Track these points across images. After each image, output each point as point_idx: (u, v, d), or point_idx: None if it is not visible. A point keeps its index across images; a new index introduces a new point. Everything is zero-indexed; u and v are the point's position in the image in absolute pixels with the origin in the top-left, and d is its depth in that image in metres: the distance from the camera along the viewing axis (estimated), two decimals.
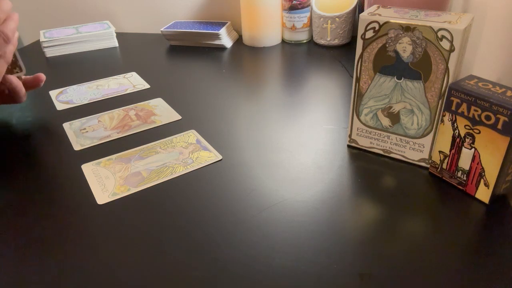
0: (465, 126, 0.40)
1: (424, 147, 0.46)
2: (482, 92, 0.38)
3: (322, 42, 0.87)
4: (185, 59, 0.85)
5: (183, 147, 0.53)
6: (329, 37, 0.86)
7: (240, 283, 0.34)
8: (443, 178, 0.45)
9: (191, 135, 0.56)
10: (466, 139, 0.41)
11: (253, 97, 0.67)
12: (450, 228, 0.39)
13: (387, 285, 0.34)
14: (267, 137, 0.55)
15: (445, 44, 0.40)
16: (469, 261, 0.35)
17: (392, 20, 0.42)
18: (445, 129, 0.43)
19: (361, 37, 0.44)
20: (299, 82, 0.71)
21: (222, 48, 0.90)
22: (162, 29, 0.92)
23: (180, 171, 0.49)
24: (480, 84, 0.40)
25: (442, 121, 0.43)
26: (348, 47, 0.87)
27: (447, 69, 0.41)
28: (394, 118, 0.47)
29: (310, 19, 0.89)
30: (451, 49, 0.40)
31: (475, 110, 0.39)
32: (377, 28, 0.43)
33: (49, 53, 0.89)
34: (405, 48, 0.42)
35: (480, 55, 0.52)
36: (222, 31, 0.89)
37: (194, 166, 0.49)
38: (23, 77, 0.60)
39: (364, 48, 0.44)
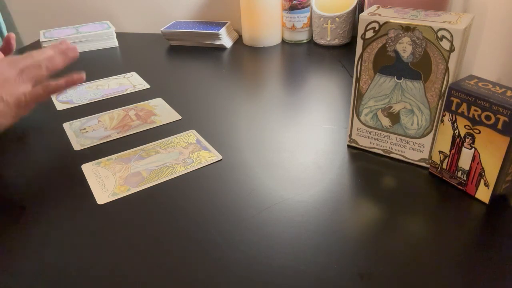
0: (465, 126, 0.40)
1: (424, 147, 0.46)
2: (482, 92, 0.38)
3: (322, 42, 0.88)
4: (185, 59, 0.85)
5: (183, 147, 0.53)
6: (329, 37, 0.86)
7: (240, 283, 0.34)
8: (443, 178, 0.45)
9: (191, 135, 0.56)
10: (466, 139, 0.41)
11: (253, 97, 0.67)
12: (450, 228, 0.39)
13: (387, 285, 0.34)
14: (267, 137, 0.55)
15: (445, 44, 0.40)
16: (469, 261, 0.35)
17: (392, 20, 0.42)
18: (445, 129, 0.43)
19: (361, 37, 0.44)
20: (299, 82, 0.71)
21: (222, 48, 0.90)
22: (162, 29, 0.92)
23: (180, 171, 0.49)
24: (480, 84, 0.40)
25: (442, 121, 0.43)
26: (348, 47, 0.87)
27: (447, 69, 0.41)
28: (394, 118, 0.47)
29: (310, 19, 0.89)
30: (451, 49, 0.40)
31: (475, 110, 0.39)
32: (377, 28, 0.43)
33: None
34: (405, 48, 0.42)
35: (480, 55, 0.53)
36: (222, 31, 0.89)
37: (194, 166, 0.49)
38: None
39: (364, 48, 0.44)
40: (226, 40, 0.90)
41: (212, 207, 0.43)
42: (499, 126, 0.37)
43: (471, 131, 0.40)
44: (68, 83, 0.53)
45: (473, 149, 0.40)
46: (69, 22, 1.07)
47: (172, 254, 0.37)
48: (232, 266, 0.36)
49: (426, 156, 0.47)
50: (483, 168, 0.40)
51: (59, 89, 0.52)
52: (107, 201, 0.44)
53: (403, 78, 0.44)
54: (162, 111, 0.63)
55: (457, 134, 0.41)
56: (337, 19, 0.83)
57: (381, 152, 0.50)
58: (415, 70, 0.42)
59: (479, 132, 0.39)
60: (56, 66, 0.53)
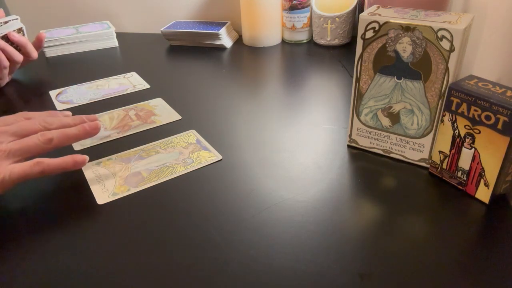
0: (465, 126, 0.40)
1: (424, 147, 0.46)
2: (482, 92, 0.38)
3: (322, 42, 0.87)
4: (185, 59, 0.85)
5: (183, 147, 0.53)
6: (329, 37, 0.86)
7: (240, 283, 0.34)
8: (443, 178, 0.45)
9: (191, 135, 0.56)
10: (466, 139, 0.41)
11: (253, 97, 0.67)
12: (450, 228, 0.39)
13: (387, 285, 0.34)
14: (267, 137, 0.55)
15: (445, 44, 0.40)
16: (469, 261, 0.35)
17: (392, 20, 0.42)
18: (445, 129, 0.43)
19: (361, 37, 0.44)
20: (299, 82, 0.71)
21: (222, 48, 0.90)
22: (162, 29, 0.92)
23: (180, 171, 0.49)
24: (480, 84, 0.40)
25: (442, 121, 0.43)
26: (348, 47, 0.87)
27: (447, 69, 0.41)
28: (394, 118, 0.47)
29: (310, 19, 0.89)
30: (451, 49, 0.40)
31: (475, 110, 0.39)
32: (377, 28, 0.43)
33: (49, 53, 0.89)
34: (405, 48, 0.42)
35: (480, 55, 0.52)
36: (222, 31, 0.89)
37: (194, 166, 0.49)
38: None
39: (364, 48, 0.44)
40: (226, 40, 0.90)
41: (212, 207, 0.43)
42: (499, 126, 0.37)
43: (471, 131, 0.40)
44: (70, 165, 0.43)
45: (473, 149, 0.40)
46: (69, 22, 1.07)
47: (172, 254, 0.37)
48: (232, 266, 0.36)
49: (426, 156, 0.47)
50: (483, 168, 0.40)
51: (58, 171, 0.43)
52: (107, 201, 0.44)
53: (403, 78, 0.44)
54: (162, 111, 0.63)
55: (457, 134, 0.41)
56: (337, 19, 0.83)
57: (381, 152, 0.50)
58: (415, 70, 0.42)
59: (479, 132, 0.39)
60: (66, 143, 0.45)
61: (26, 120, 0.46)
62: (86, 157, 0.45)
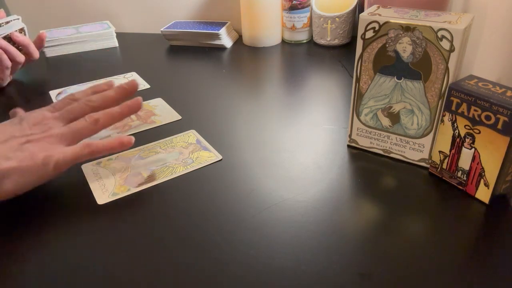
0: (465, 126, 0.40)
1: (424, 147, 0.46)
2: (482, 92, 0.38)
3: (322, 42, 0.88)
4: (185, 59, 0.85)
5: (183, 147, 0.53)
6: (329, 37, 0.86)
7: (240, 283, 0.34)
8: (443, 178, 0.45)
9: (191, 135, 0.56)
10: (466, 139, 0.41)
11: (253, 97, 0.67)
12: (450, 228, 0.39)
13: (387, 285, 0.34)
14: (267, 137, 0.55)
15: (445, 44, 0.40)
16: (469, 261, 0.35)
17: (392, 20, 0.42)
18: (445, 129, 0.43)
19: (361, 37, 0.44)
20: (299, 82, 0.71)
21: (222, 48, 0.90)
22: (162, 29, 0.92)
23: (180, 171, 0.49)
24: (480, 84, 0.40)
25: (442, 121, 0.43)
26: (348, 47, 0.87)
27: (447, 69, 0.41)
28: (394, 118, 0.47)
29: (310, 19, 0.89)
30: (451, 49, 0.40)
31: (475, 110, 0.39)
32: (377, 28, 0.43)
33: (49, 53, 0.89)
34: (405, 48, 0.42)
35: (480, 55, 0.52)
36: (222, 31, 0.89)
37: (194, 166, 0.49)
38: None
39: (364, 48, 0.44)
40: (226, 40, 0.90)
41: (212, 207, 0.43)
42: (499, 126, 0.37)
43: (471, 131, 0.40)
44: (116, 145, 0.46)
45: (473, 149, 0.40)
46: (69, 22, 1.07)
47: (172, 254, 0.37)
48: (232, 266, 0.36)
49: (426, 156, 0.47)
50: (483, 168, 0.40)
51: (106, 152, 0.46)
52: (107, 201, 0.44)
53: (403, 78, 0.44)
54: (162, 111, 0.63)
55: (457, 134, 0.41)
56: (337, 19, 0.83)
57: (381, 152, 0.50)
58: (415, 70, 0.42)
59: (479, 132, 0.39)
60: (113, 122, 0.48)
61: (72, 104, 0.49)
62: (132, 138, 0.47)
